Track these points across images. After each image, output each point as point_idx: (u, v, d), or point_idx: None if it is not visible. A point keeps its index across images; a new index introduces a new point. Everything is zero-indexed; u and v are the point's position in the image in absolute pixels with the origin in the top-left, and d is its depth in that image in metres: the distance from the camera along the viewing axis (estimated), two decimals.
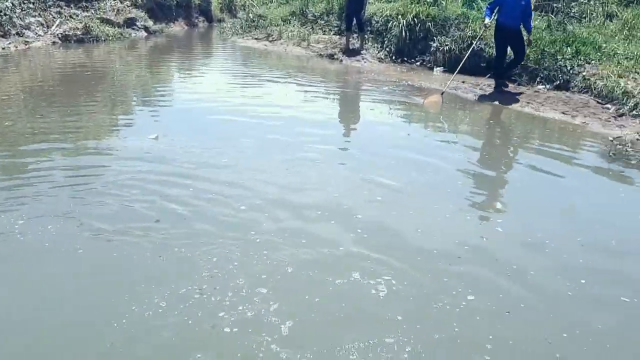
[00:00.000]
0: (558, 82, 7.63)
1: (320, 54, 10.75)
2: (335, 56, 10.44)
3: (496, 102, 7.35)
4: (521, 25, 7.19)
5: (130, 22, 13.14)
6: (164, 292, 2.91)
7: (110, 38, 12.12)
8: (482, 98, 7.52)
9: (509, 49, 7.50)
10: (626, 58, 7.62)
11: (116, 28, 12.59)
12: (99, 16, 12.50)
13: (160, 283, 2.99)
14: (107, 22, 12.57)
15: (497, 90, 7.62)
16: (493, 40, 7.72)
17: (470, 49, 7.90)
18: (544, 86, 7.70)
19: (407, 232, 3.67)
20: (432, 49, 9.32)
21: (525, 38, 7.27)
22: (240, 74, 9.03)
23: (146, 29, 13.47)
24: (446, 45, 9.03)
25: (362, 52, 10.29)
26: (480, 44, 8.46)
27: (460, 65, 7.64)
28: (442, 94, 7.22)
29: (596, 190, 4.68)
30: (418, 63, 9.56)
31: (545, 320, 2.82)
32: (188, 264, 3.19)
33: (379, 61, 9.94)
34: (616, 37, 8.70)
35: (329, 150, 5.22)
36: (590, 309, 2.93)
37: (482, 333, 2.70)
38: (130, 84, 8.25)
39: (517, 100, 7.29)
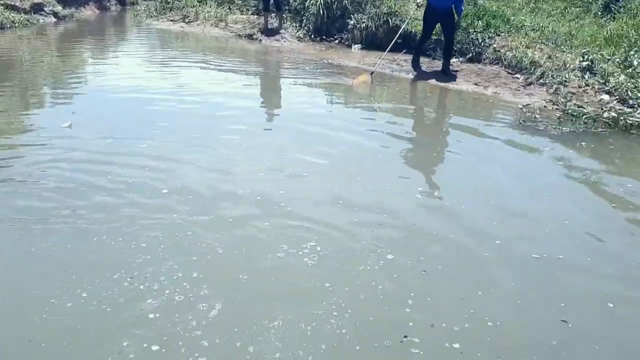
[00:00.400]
0: (471, 54, 7.94)
1: (239, 35, 10.57)
2: (254, 36, 10.31)
3: (411, 77, 7.55)
4: (453, 7, 7.23)
5: (37, 8, 12.34)
6: (87, 280, 2.82)
7: (17, 25, 11.34)
8: (400, 73, 7.70)
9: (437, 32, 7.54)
10: (532, 30, 8.05)
11: (22, 14, 11.80)
12: (3, 2, 11.66)
13: (83, 272, 2.89)
14: (12, 8, 11.74)
15: (414, 66, 7.82)
16: (422, 19, 7.66)
17: (401, 29, 7.96)
18: (457, 59, 7.99)
19: (331, 203, 3.75)
20: (349, 26, 9.39)
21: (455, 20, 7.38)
22: (157, 58, 8.74)
23: (55, 14, 12.69)
24: (363, 22, 9.13)
25: (281, 31, 10.22)
26: (396, 20, 8.64)
27: (391, 45, 7.64)
28: (371, 74, 7.28)
29: (508, 156, 4.95)
30: (336, 41, 9.62)
31: (461, 279, 2.97)
32: (112, 251, 3.10)
33: (298, 40, 9.91)
34: (523, 10, 9.20)
35: (251, 130, 5.19)
36: (503, 268, 3.10)
37: (403, 291, 2.82)
38: (41, 72, 7.78)
39: (432, 74, 7.52)
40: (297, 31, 10.15)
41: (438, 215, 3.67)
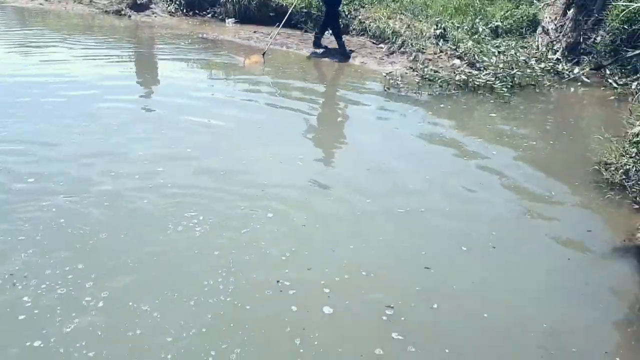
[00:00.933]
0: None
1: (106, 11, 10.16)
2: (123, 12, 9.97)
3: (284, 49, 7.85)
4: None
5: None
6: None
7: None
8: (274, 46, 7.96)
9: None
10: (393, 1, 8.67)
11: None
12: None
13: None
14: None
15: (311, 41, 7.97)
16: None
17: (292, 7, 8.09)
18: (327, 32, 8.39)
19: (210, 174, 3.96)
20: (222, 0, 9.44)
21: None
22: (17, 39, 8.18)
23: None
24: None
25: (151, 6, 9.99)
26: None
27: (283, 21, 7.75)
28: (263, 54, 7.34)
29: (376, 121, 5.47)
30: (210, 15, 9.64)
31: (336, 234, 3.34)
32: None
33: (170, 15, 9.78)
34: None
35: (130, 111, 5.21)
36: (374, 222, 3.48)
37: (283, 247, 3.13)
38: None
39: (304, 47, 7.89)
40: (169, 5, 9.99)
41: (315, 177, 4.02)
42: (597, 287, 2.89)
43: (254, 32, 8.41)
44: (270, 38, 7.68)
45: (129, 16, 9.81)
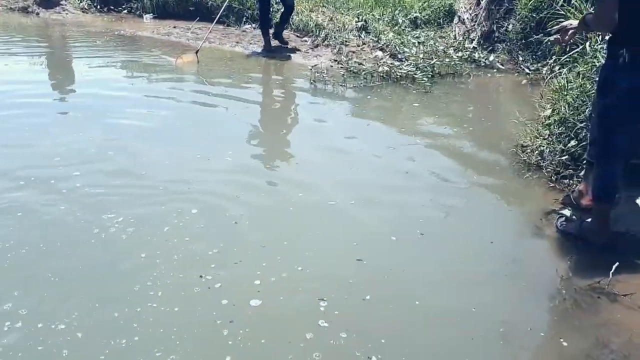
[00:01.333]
0: None
1: (11, 8, 9.52)
2: (30, 9, 9.39)
3: (207, 44, 7.66)
4: None
5: None
6: None
7: None
8: (196, 41, 7.75)
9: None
10: None
11: None
12: None
13: None
14: None
15: (235, 36, 7.90)
16: None
17: (226, 2, 7.79)
18: (250, 25, 8.30)
19: (129, 175, 3.83)
20: None
21: None
22: None
23: None
24: None
25: (61, 2, 9.47)
26: None
27: (217, 18, 7.55)
28: (196, 52, 7.03)
29: (303, 113, 5.47)
30: (126, 11, 9.26)
31: (279, 227, 3.29)
32: None
33: (83, 12, 9.31)
34: None
35: (42, 115, 4.93)
36: (311, 213, 3.49)
37: (210, 245, 3.09)
38: None
39: (227, 42, 7.74)
40: (81, 1, 9.50)
41: (244, 173, 3.94)
42: (520, 267, 3.01)
43: (174, 27, 8.17)
44: (205, 38, 7.40)
45: (37, 13, 9.25)
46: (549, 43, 5.67)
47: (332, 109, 5.51)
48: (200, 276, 2.77)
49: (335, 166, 4.17)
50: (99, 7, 9.31)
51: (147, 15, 8.98)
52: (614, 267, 2.82)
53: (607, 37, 3.18)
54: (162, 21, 8.67)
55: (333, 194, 3.70)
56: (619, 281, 2.81)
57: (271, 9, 7.46)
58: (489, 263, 3.05)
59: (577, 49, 4.67)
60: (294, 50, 7.42)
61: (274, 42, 7.40)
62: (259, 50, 7.42)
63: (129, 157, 4.10)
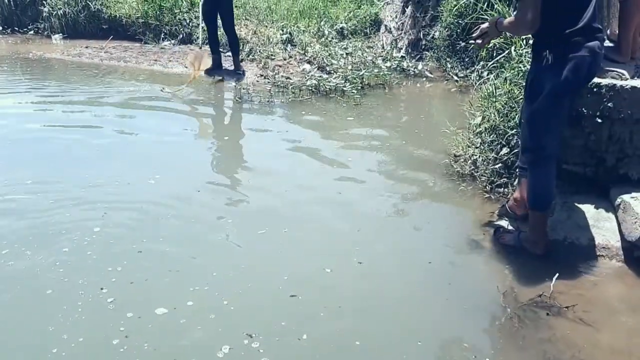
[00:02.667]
0: (181, 36, 7.93)
1: None
2: None
3: (122, 63, 7.19)
4: None
5: None
6: None
7: None
8: (108, 61, 7.25)
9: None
10: (235, 6, 8.34)
11: None
12: None
13: None
14: None
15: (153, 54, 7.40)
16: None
17: (201, 25, 6.87)
18: (169, 42, 7.89)
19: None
20: (44, 14, 8.48)
21: None
22: None
23: None
24: (60, 9, 8.33)
25: None
26: (96, 4, 8.08)
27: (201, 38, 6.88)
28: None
29: (228, 132, 5.14)
30: (32, 32, 8.63)
31: (204, 256, 2.98)
32: None
33: None
34: None
35: None
36: (238, 243, 3.19)
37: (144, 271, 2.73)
38: None
39: (144, 60, 7.27)
40: None
41: (168, 197, 3.62)
42: (460, 288, 2.80)
43: (86, 47, 7.65)
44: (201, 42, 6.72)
45: None
46: (471, 44, 5.62)
47: (260, 128, 5.20)
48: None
49: (263, 190, 3.84)
50: (1, 29, 8.61)
51: (56, 35, 8.37)
52: (554, 279, 2.73)
53: (530, 40, 3.09)
54: (73, 41, 8.11)
55: (262, 222, 3.37)
56: (561, 292, 2.70)
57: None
58: (429, 288, 2.82)
59: (503, 54, 4.60)
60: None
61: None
62: (177, 67, 7.01)
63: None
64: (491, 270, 2.95)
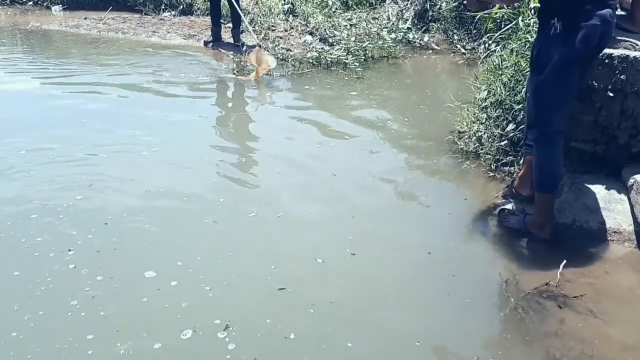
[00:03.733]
0: (182, 7, 7.72)
1: None
2: None
3: (120, 35, 6.99)
4: None
5: None
6: None
7: None
8: (106, 32, 7.07)
9: None
10: None
11: None
12: None
13: None
14: None
15: (152, 24, 7.23)
16: None
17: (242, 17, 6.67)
18: (169, 13, 7.68)
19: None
20: None
21: None
22: None
23: None
24: None
25: None
26: None
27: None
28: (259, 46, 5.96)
29: (226, 107, 4.98)
30: (31, 3, 8.43)
31: (193, 243, 2.85)
32: None
33: None
34: None
35: None
36: (227, 227, 3.03)
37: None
38: None
39: (143, 32, 7.06)
40: None
41: (160, 180, 3.41)
42: (462, 280, 2.59)
43: (85, 18, 7.46)
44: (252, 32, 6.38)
45: None
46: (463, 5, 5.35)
47: (259, 102, 5.06)
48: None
49: (259, 171, 3.68)
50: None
51: (56, 6, 8.17)
52: (561, 266, 2.56)
53: (536, 7, 2.88)
54: (73, 12, 7.91)
55: (255, 205, 3.18)
56: (569, 281, 2.53)
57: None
58: (429, 282, 2.61)
59: (510, 25, 4.36)
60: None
61: None
62: (176, 38, 6.81)
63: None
64: (495, 257, 2.77)
